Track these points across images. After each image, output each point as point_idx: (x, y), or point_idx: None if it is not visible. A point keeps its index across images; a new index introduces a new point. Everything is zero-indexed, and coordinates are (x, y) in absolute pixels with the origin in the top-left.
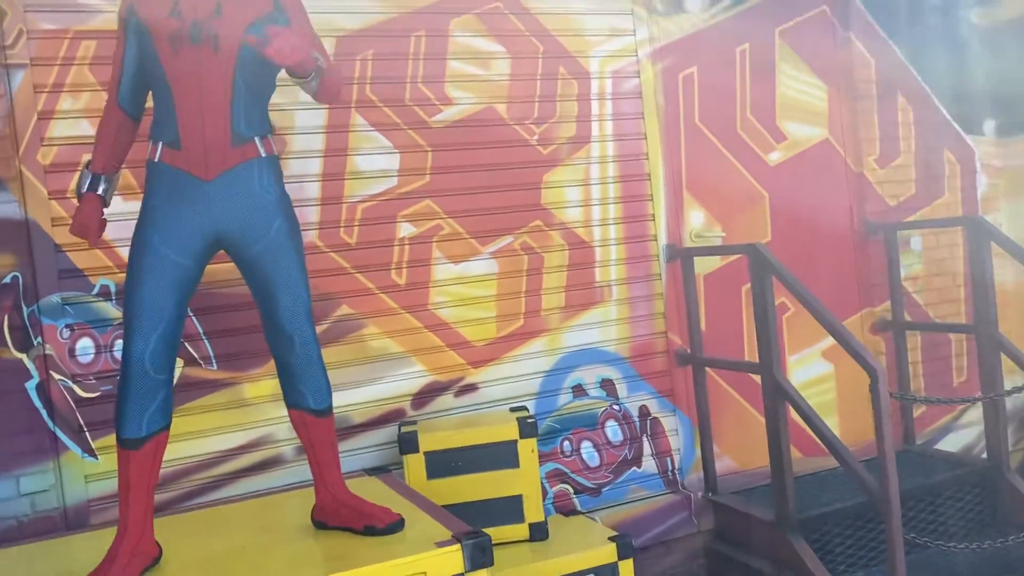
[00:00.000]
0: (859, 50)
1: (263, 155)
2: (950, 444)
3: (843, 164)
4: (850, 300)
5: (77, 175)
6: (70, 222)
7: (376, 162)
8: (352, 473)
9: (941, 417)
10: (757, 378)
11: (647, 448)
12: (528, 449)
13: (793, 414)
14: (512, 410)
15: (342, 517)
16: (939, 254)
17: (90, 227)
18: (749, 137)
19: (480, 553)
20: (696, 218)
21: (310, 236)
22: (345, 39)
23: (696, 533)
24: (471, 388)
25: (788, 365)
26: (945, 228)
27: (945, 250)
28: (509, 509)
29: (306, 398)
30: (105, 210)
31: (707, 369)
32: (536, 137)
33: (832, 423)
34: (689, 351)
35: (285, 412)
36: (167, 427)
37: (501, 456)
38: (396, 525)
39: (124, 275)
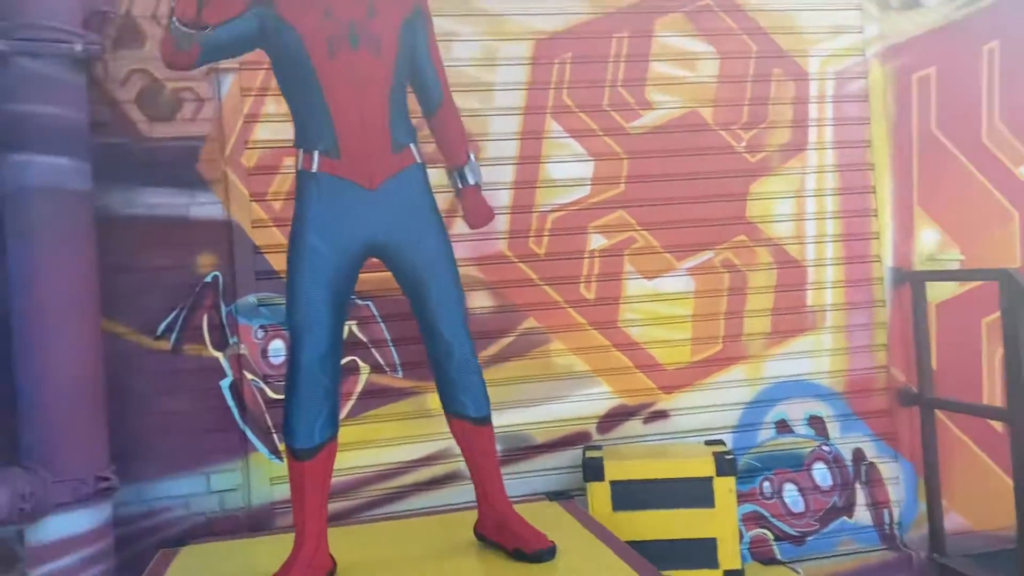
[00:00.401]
0: None
1: (418, 161)
2: None
3: None
4: None
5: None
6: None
7: (569, 170)
8: (532, 497)
9: None
10: (998, 425)
11: (861, 496)
12: (725, 488)
13: None
14: (707, 443)
15: (499, 533)
16: None
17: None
18: (997, 148)
19: None
20: (929, 238)
21: (499, 245)
22: (543, 42)
23: None
24: (661, 415)
25: None
26: None
27: None
28: (702, 552)
29: (467, 407)
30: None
31: (936, 411)
32: (744, 143)
33: None
34: (916, 390)
35: None
36: (336, 436)
37: (695, 493)
38: (545, 553)
39: None
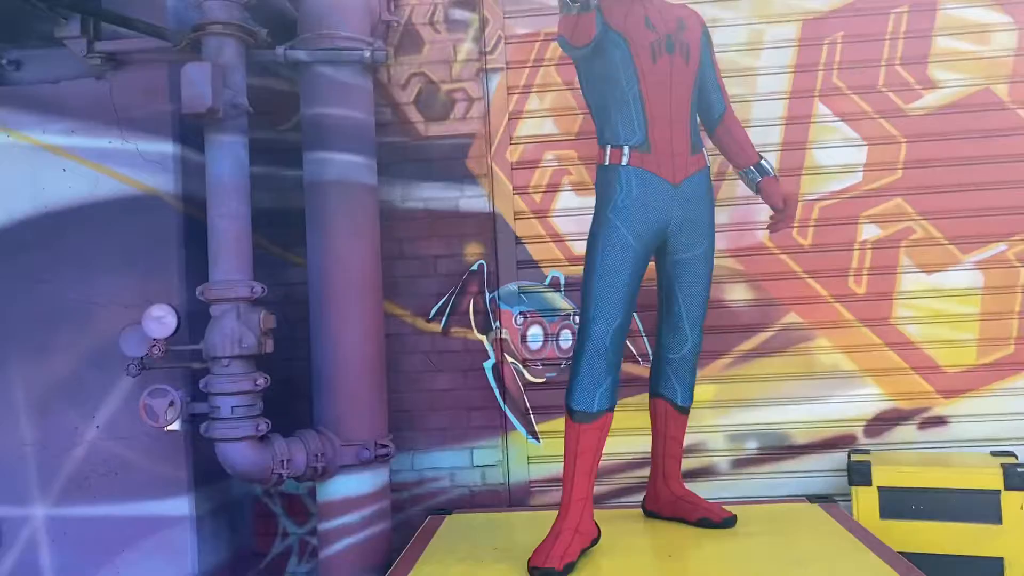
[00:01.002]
0: None
1: (708, 165)
2: None
3: None
4: None
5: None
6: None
7: (839, 156)
8: (791, 497)
9: None
10: None
11: None
12: (1016, 504)
13: None
14: (994, 454)
15: (678, 509)
16: None
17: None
18: None
19: None
20: None
21: (760, 236)
22: (812, 22)
23: None
24: (939, 421)
25: None
26: None
27: None
28: (985, 572)
29: (677, 394)
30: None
31: None
32: None
33: None
34: None
35: (722, 421)
36: (612, 409)
37: (978, 507)
38: (729, 521)
39: (576, 268)
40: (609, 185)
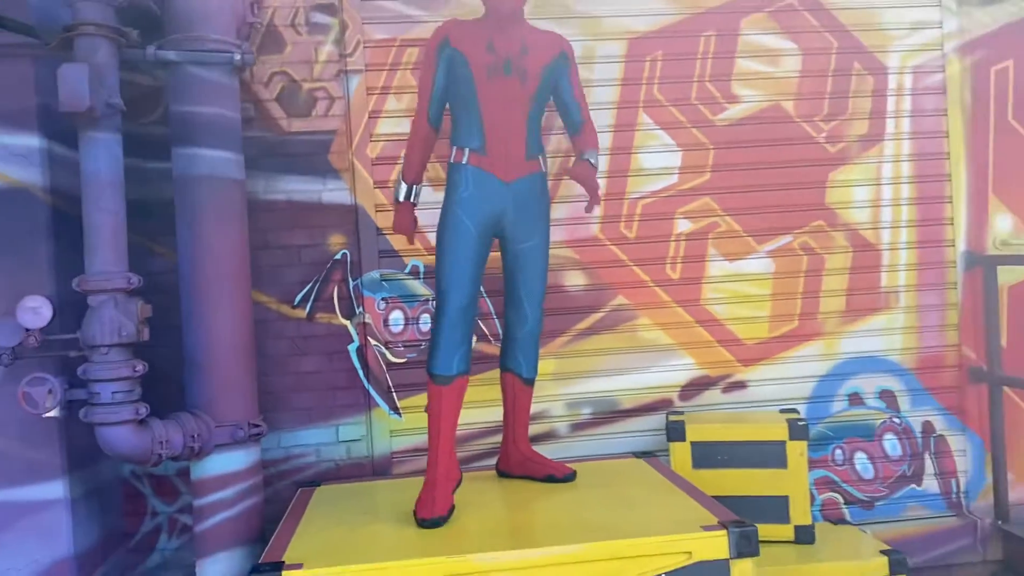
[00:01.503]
0: None
1: (543, 171)
2: None
3: None
4: None
5: (396, 184)
6: (392, 217)
7: (658, 160)
8: (619, 455)
9: None
10: None
11: (929, 466)
12: (797, 451)
13: None
14: (782, 411)
15: (526, 468)
16: None
17: (410, 228)
18: None
19: (746, 542)
20: (1003, 223)
21: (592, 229)
22: (636, 41)
23: (981, 562)
24: (740, 385)
25: None
26: None
27: None
28: (774, 508)
29: (522, 367)
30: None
31: (1005, 389)
32: (824, 134)
33: None
34: (985, 368)
35: (562, 391)
36: (468, 373)
37: (769, 455)
38: (570, 476)
39: (433, 257)
40: (453, 181)
